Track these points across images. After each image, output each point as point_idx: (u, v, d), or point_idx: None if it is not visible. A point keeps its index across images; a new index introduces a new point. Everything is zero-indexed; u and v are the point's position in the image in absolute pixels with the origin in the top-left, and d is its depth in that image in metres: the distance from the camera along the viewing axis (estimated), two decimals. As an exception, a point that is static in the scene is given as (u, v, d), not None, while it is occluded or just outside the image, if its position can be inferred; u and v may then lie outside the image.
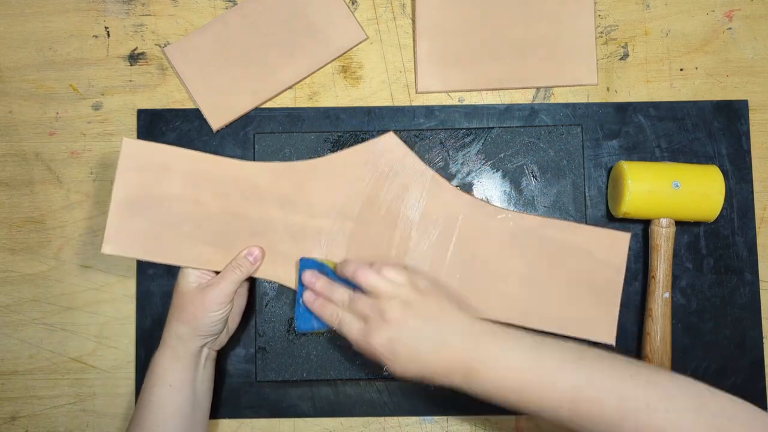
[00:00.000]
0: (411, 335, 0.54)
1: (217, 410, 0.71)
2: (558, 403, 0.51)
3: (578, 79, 0.73)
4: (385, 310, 0.54)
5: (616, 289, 0.65)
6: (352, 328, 0.56)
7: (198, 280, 0.63)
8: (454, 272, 0.65)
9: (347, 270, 0.59)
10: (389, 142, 0.66)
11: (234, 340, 0.71)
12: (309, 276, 0.61)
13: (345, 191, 0.65)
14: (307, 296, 0.61)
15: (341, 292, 0.58)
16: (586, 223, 0.68)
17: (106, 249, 0.62)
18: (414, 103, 0.74)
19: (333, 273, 0.62)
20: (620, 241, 0.66)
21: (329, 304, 0.59)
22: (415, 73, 0.74)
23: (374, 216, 0.65)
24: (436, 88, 0.73)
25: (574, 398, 0.50)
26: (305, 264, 0.62)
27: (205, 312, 0.61)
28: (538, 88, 0.73)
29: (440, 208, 0.66)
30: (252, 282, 0.68)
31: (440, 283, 0.59)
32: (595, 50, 0.73)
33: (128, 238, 0.62)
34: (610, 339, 0.65)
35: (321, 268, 0.62)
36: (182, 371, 0.62)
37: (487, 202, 0.68)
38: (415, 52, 0.74)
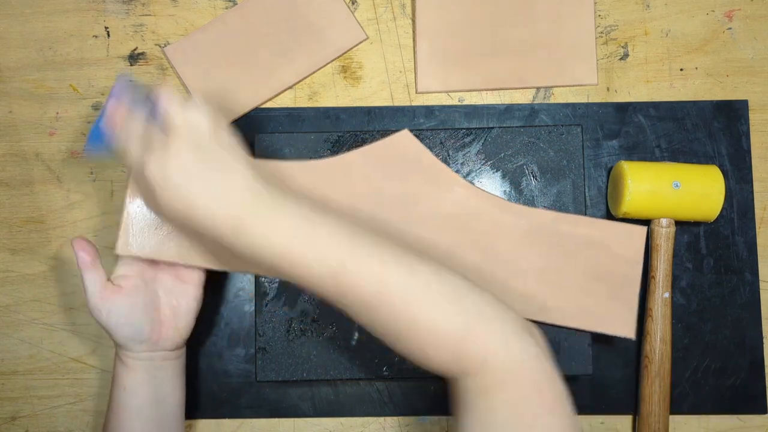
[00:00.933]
0: (189, 172, 0.51)
1: (217, 410, 0.71)
2: (322, 276, 0.50)
3: (578, 79, 0.73)
4: (172, 144, 0.51)
5: (634, 283, 0.65)
6: (133, 154, 0.53)
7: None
8: (471, 268, 0.65)
9: (158, 95, 0.54)
10: (404, 140, 0.67)
11: (234, 340, 0.71)
12: (114, 100, 0.57)
13: (360, 190, 0.66)
14: (107, 120, 0.57)
15: (137, 122, 0.55)
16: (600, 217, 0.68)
17: (119, 249, 0.61)
18: (414, 103, 0.74)
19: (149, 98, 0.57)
20: (636, 235, 0.65)
21: (123, 130, 0.55)
22: (415, 73, 0.74)
23: (389, 214, 0.65)
24: (436, 88, 0.73)
25: (337, 274, 0.49)
26: (120, 82, 0.59)
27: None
28: (538, 88, 0.73)
29: (455, 205, 0.66)
30: (209, 280, 0.66)
31: (245, 153, 0.55)
32: (595, 50, 0.73)
33: (141, 238, 0.62)
34: (630, 333, 0.65)
35: (135, 89, 0.58)
36: (132, 374, 0.61)
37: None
38: (415, 52, 0.74)
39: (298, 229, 0.50)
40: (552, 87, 0.73)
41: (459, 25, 0.73)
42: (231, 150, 0.53)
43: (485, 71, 0.73)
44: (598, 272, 0.65)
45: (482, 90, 0.73)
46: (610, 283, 0.65)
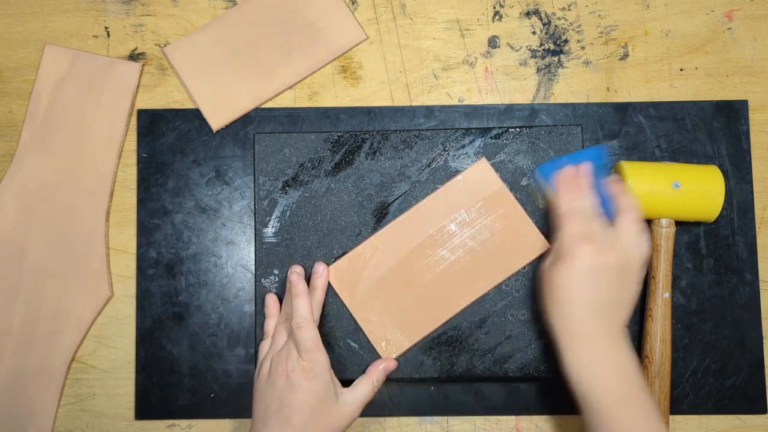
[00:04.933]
0: (599, 289, 0.57)
1: (217, 410, 0.71)
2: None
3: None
4: (608, 252, 0.57)
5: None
6: (572, 228, 0.58)
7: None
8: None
9: (617, 186, 0.62)
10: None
11: (234, 340, 0.71)
12: (584, 168, 0.62)
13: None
14: (565, 175, 0.62)
15: (586, 201, 0.60)
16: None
17: None
18: (414, 103, 0.74)
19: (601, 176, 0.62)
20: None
21: (567, 191, 0.61)
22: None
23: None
24: None
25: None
26: (595, 155, 0.63)
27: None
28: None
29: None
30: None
31: None
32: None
33: None
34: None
35: (599, 169, 0.63)
36: None
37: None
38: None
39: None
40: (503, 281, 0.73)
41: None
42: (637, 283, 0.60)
43: None
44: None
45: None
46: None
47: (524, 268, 0.67)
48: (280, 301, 0.68)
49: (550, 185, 0.62)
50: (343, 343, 0.67)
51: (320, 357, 0.61)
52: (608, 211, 0.61)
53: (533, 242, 0.67)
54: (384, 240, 0.68)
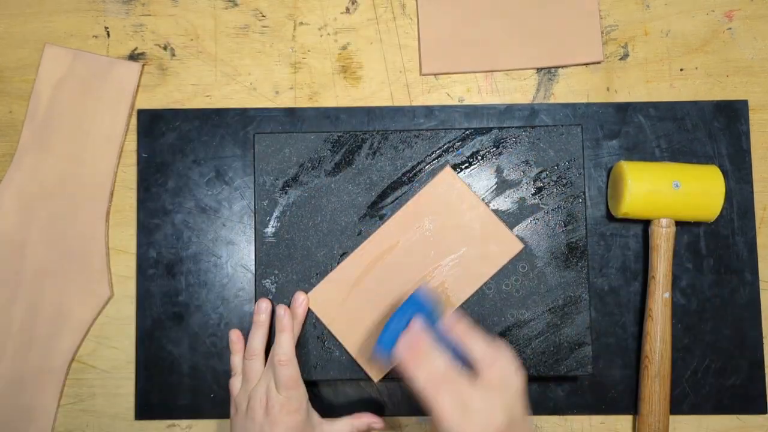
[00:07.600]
0: None
1: (217, 410, 0.71)
2: None
3: (583, 57, 0.73)
4: (491, 408, 0.51)
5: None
6: (444, 405, 0.51)
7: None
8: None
9: (458, 329, 0.56)
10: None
11: (234, 340, 0.71)
12: (416, 327, 0.55)
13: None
14: (403, 345, 0.55)
15: (439, 363, 0.53)
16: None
17: None
18: (414, 103, 0.74)
19: (436, 323, 0.57)
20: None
21: (424, 362, 0.53)
22: (419, 55, 0.74)
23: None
24: (441, 69, 0.73)
25: None
26: (418, 302, 0.57)
27: None
28: (539, 69, 0.73)
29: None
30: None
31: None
32: (599, 27, 0.73)
33: None
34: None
35: (430, 316, 0.57)
36: None
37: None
38: (418, 34, 0.74)
39: None
40: (557, 67, 0.73)
41: (462, 8, 0.73)
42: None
43: (489, 53, 0.73)
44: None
45: (487, 72, 0.73)
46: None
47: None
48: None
49: (394, 358, 0.56)
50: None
51: (300, 392, 0.61)
52: (461, 357, 0.55)
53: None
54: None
